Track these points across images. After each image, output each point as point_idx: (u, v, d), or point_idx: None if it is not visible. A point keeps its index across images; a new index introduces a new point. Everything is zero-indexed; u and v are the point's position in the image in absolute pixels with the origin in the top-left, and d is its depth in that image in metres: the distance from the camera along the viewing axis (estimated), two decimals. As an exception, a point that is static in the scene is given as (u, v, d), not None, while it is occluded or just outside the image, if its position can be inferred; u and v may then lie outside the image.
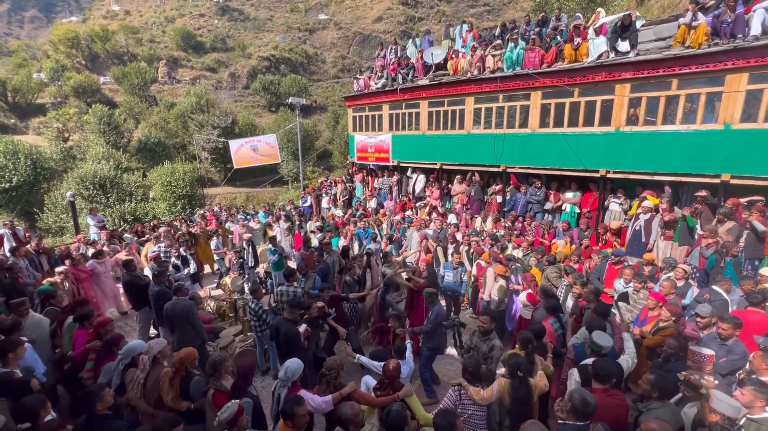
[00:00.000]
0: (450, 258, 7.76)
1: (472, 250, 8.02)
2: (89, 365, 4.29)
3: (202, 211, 14.25)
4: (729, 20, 7.30)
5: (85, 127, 30.70)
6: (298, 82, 39.40)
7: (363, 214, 11.70)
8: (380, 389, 3.78)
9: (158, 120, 33.12)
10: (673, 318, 4.39)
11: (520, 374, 3.62)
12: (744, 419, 2.92)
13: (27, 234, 9.98)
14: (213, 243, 10.41)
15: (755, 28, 7.00)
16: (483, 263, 7.19)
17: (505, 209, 10.68)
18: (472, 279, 7.58)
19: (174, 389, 3.62)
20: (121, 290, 7.68)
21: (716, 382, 3.45)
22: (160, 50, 48.68)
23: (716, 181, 7.61)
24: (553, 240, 8.63)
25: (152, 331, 7.09)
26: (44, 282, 6.41)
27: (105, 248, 8.56)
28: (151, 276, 6.60)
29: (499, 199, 10.79)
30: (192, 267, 8.28)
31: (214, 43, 50.91)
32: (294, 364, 3.60)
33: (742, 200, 7.06)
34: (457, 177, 11.54)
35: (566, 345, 4.71)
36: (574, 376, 3.80)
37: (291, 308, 4.83)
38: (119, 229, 14.03)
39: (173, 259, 7.83)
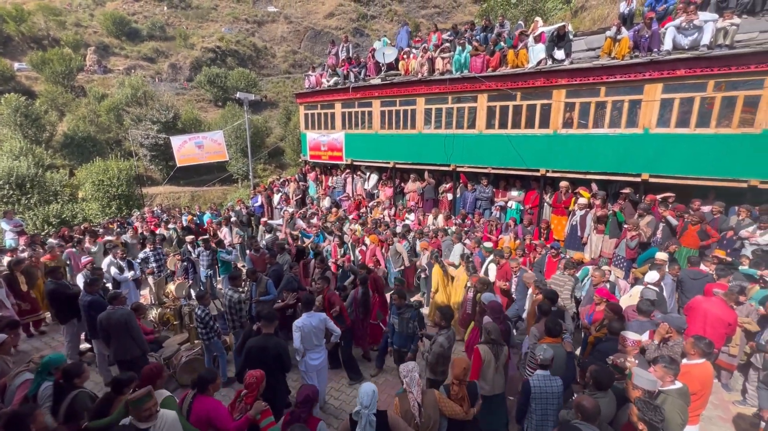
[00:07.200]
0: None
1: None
2: None
3: (139, 213, 13.19)
4: (647, 36, 8.16)
5: (-4, 118, 27.06)
6: (247, 76, 37.63)
7: (314, 212, 11.53)
8: None
9: (87, 112, 30.02)
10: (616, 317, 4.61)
11: None
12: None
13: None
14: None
15: (667, 44, 7.89)
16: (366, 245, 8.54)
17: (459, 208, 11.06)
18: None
19: (465, 400, 3.69)
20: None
21: (637, 362, 3.87)
22: (87, 36, 43.99)
23: (637, 179, 8.50)
24: (500, 236, 9.12)
25: (84, 345, 6.51)
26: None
27: (24, 254, 7.65)
28: (82, 285, 6.03)
29: (449, 196, 11.16)
30: (136, 271, 7.65)
31: (151, 31, 46.98)
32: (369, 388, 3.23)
33: (658, 197, 7.96)
34: (412, 175, 11.75)
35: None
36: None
37: (268, 322, 4.41)
38: (41, 234, 12.63)
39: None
